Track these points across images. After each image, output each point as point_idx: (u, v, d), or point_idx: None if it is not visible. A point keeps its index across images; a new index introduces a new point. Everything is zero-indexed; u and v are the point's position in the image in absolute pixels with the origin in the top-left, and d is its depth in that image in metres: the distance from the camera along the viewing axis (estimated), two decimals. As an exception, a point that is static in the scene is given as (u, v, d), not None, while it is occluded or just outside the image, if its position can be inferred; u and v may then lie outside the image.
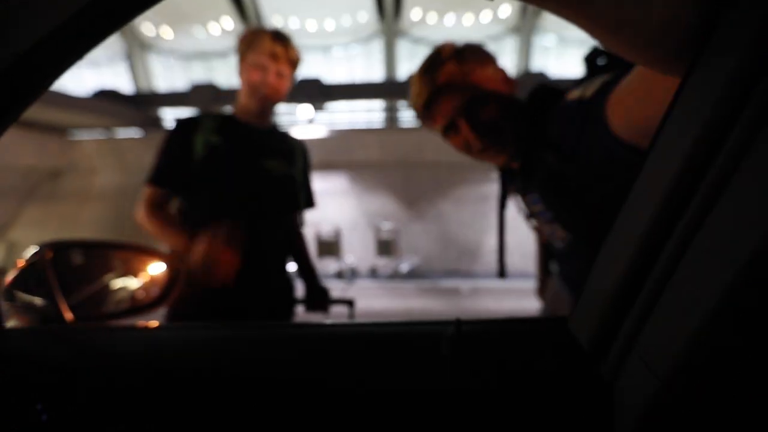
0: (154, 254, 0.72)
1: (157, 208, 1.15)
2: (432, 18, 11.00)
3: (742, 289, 0.24)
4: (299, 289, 1.39)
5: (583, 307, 0.41)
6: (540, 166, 0.79)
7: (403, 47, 11.65)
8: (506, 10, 9.17)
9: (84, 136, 9.95)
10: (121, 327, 0.55)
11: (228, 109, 1.30)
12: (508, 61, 9.11)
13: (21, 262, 0.58)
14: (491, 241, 7.32)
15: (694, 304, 0.27)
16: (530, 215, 0.96)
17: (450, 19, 10.40)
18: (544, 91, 0.83)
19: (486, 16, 9.55)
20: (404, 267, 7.10)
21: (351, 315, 1.28)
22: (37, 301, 0.57)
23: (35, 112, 8.40)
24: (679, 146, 0.28)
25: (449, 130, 0.85)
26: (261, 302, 1.21)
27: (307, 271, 1.42)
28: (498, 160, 0.89)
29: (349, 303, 1.33)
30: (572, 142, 0.70)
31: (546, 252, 1.25)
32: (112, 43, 11.91)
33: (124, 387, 0.44)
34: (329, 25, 11.56)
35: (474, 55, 0.83)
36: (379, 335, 0.47)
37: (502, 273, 1.22)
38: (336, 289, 6.38)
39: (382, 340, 0.46)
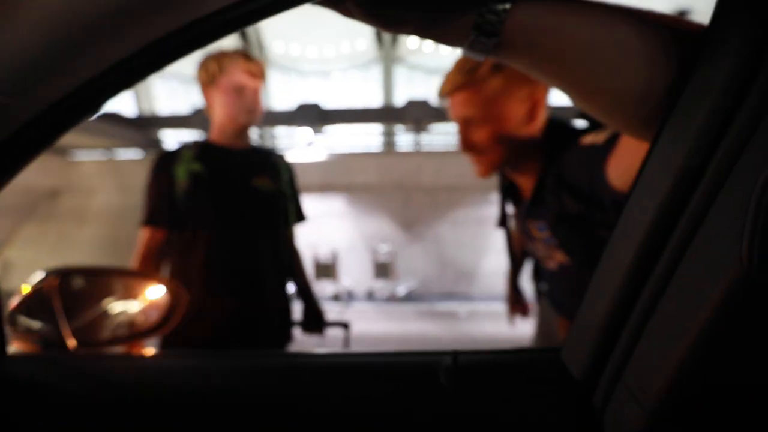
0: (157, 280, 0.73)
1: (149, 248, 1.16)
2: (428, 46, 11.31)
3: (724, 321, 0.25)
4: (295, 310, 1.38)
5: (574, 337, 0.42)
6: (553, 202, 0.81)
7: (400, 74, 11.92)
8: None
9: (84, 156, 9.99)
10: (121, 355, 0.56)
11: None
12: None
13: (26, 289, 0.59)
14: (488, 264, 7.31)
15: (678, 336, 0.28)
16: (531, 237, 0.97)
17: (446, 47, 10.64)
18: (560, 127, 0.85)
19: (481, 45, 9.77)
20: (401, 290, 7.05)
21: (346, 338, 1.27)
22: (41, 326, 0.58)
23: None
24: (657, 188, 0.31)
25: (465, 123, 0.87)
26: (260, 322, 1.21)
27: (303, 289, 1.40)
28: (477, 168, 0.91)
29: (345, 326, 1.32)
30: (585, 185, 0.73)
31: (516, 271, 1.26)
32: (117, 67, 12.02)
33: (124, 414, 0.44)
34: (329, 51, 11.87)
35: (510, 73, 0.83)
36: (376, 365, 0.47)
37: (520, 293, 1.26)
38: (332, 311, 6.34)
39: (378, 370, 0.46)
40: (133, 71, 0.39)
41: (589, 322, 0.38)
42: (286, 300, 1.32)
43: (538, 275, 1.18)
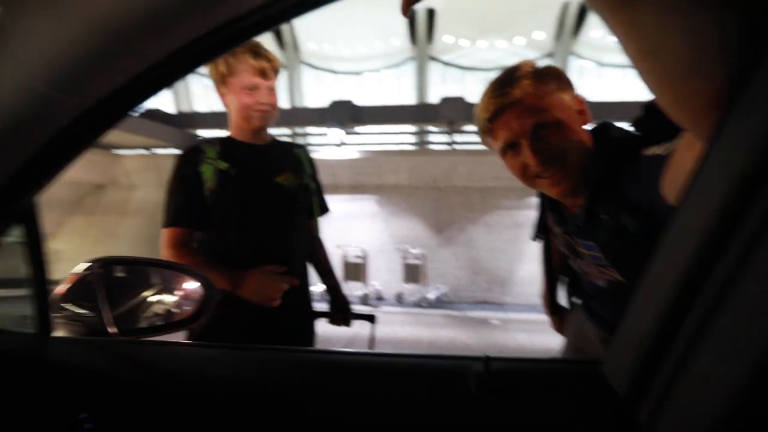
0: (192, 274, 0.75)
1: (182, 248, 1.12)
2: (464, 42, 11.07)
3: None
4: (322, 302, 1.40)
5: (616, 351, 0.40)
6: (607, 221, 0.76)
7: (434, 72, 11.75)
8: (540, 35, 9.10)
9: (126, 152, 10.45)
10: (153, 342, 0.58)
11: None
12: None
13: (72, 277, 0.61)
14: (523, 271, 7.01)
15: (740, 355, 0.25)
16: (576, 253, 0.91)
17: (482, 44, 10.42)
18: (615, 137, 0.80)
19: (519, 40, 9.49)
20: (431, 294, 6.88)
21: (372, 330, 1.30)
22: (85, 313, 0.60)
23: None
24: (713, 193, 0.29)
25: (509, 149, 0.82)
26: (288, 315, 1.20)
27: (330, 281, 1.41)
28: (551, 190, 0.84)
29: (371, 318, 1.34)
30: (644, 201, 0.68)
31: (553, 283, 1.23)
32: (159, 67, 12.60)
33: (160, 399, 0.47)
34: (362, 50, 11.86)
35: (552, 78, 0.80)
36: (402, 366, 0.47)
37: (558, 309, 1.24)
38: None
39: (404, 371, 0.46)
40: (172, 70, 0.42)
41: (634, 336, 0.37)
42: (310, 293, 1.33)
43: (577, 289, 1.13)
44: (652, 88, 0.34)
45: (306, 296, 1.30)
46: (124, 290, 0.71)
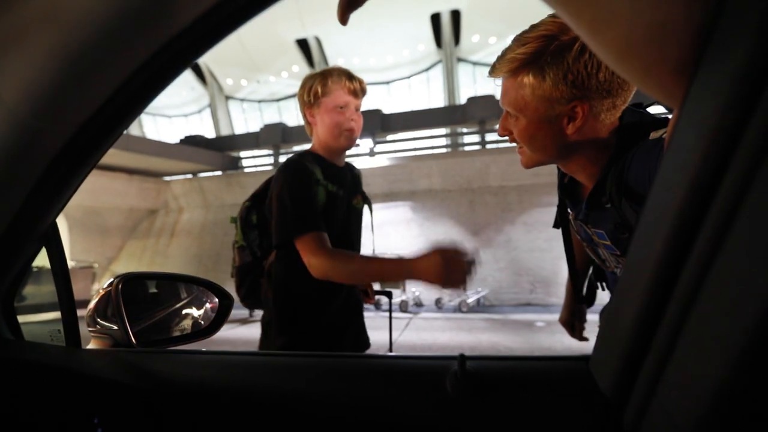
0: (208, 287, 0.77)
1: (330, 248, 1.10)
2: (492, 40, 10.88)
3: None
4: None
5: (602, 346, 0.39)
6: (611, 211, 0.73)
7: (463, 73, 11.63)
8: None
9: (173, 177, 11.17)
10: (174, 351, 0.60)
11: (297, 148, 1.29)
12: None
13: (99, 293, 0.65)
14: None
15: (717, 346, 0.24)
16: (592, 242, 0.88)
17: (511, 39, 10.18)
18: (626, 121, 0.75)
19: (550, 32, 9.18)
20: (471, 298, 6.68)
21: (389, 304, 1.40)
22: (111, 326, 0.63)
23: (137, 160, 9.73)
24: (686, 159, 0.27)
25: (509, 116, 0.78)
26: (352, 322, 1.27)
27: None
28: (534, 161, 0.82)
29: (388, 294, 1.41)
30: (644, 185, 0.66)
31: (577, 279, 1.15)
32: (200, 96, 13.54)
33: (175, 408, 0.48)
34: (390, 60, 11.99)
35: (545, 64, 0.69)
36: (380, 368, 0.47)
37: (583, 299, 1.17)
38: (401, 318, 6.25)
39: (382, 373, 0.46)
40: (152, 77, 0.41)
41: (618, 329, 0.35)
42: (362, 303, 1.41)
43: (601, 278, 1.09)
44: (613, 61, 0.32)
45: (361, 305, 1.38)
46: (144, 304, 0.74)
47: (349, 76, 1.22)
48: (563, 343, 4.67)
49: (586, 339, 1.18)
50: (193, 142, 10.64)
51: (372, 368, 0.48)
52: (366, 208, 1.37)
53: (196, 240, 9.88)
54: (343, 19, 0.39)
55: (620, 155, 0.72)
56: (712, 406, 0.25)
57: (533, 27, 0.72)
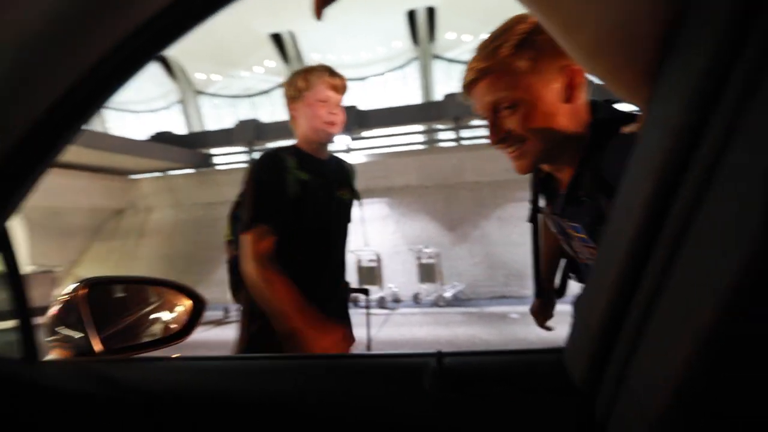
0: (179, 289, 0.75)
1: (267, 256, 1.12)
2: (467, 38, 10.99)
3: (735, 314, 0.22)
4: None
5: (574, 338, 0.39)
6: (589, 203, 0.74)
7: (439, 70, 11.70)
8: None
9: (142, 176, 10.74)
10: (142, 359, 0.59)
11: (274, 144, 1.29)
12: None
13: (60, 300, 0.62)
14: (542, 263, 6.82)
15: (682, 334, 0.25)
16: (567, 235, 0.89)
17: (486, 37, 10.30)
18: (600, 116, 0.77)
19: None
20: (448, 293, 6.76)
21: (367, 302, 1.40)
22: (72, 334, 0.61)
23: (102, 157, 9.27)
24: (652, 155, 0.28)
25: (494, 111, 0.78)
26: (337, 313, 1.29)
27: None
28: (531, 158, 0.81)
29: (365, 291, 1.45)
30: (618, 179, 0.62)
31: (540, 273, 1.20)
32: (168, 92, 13.08)
33: (144, 416, 0.47)
34: (365, 56, 11.92)
35: (534, 48, 0.72)
36: (358, 367, 0.47)
37: (545, 292, 1.20)
38: (379, 314, 6.25)
39: (360, 372, 0.46)
40: (114, 71, 0.40)
41: (589, 321, 0.36)
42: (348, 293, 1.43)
43: (574, 270, 1.10)
44: (584, 62, 0.32)
45: (346, 296, 1.40)
46: (111, 309, 0.71)
47: (331, 72, 1.26)
48: (537, 334, 4.80)
49: (549, 329, 1.23)
50: (162, 138, 10.25)
51: (350, 367, 0.48)
52: (355, 202, 1.39)
53: (167, 240, 9.55)
54: (319, 14, 0.39)
55: (595, 150, 0.73)
56: (677, 393, 0.25)
57: (503, 25, 0.76)
